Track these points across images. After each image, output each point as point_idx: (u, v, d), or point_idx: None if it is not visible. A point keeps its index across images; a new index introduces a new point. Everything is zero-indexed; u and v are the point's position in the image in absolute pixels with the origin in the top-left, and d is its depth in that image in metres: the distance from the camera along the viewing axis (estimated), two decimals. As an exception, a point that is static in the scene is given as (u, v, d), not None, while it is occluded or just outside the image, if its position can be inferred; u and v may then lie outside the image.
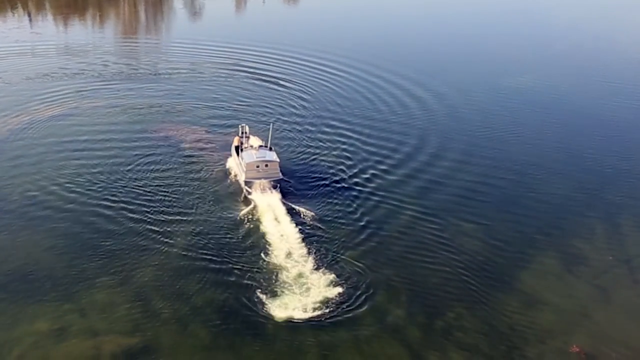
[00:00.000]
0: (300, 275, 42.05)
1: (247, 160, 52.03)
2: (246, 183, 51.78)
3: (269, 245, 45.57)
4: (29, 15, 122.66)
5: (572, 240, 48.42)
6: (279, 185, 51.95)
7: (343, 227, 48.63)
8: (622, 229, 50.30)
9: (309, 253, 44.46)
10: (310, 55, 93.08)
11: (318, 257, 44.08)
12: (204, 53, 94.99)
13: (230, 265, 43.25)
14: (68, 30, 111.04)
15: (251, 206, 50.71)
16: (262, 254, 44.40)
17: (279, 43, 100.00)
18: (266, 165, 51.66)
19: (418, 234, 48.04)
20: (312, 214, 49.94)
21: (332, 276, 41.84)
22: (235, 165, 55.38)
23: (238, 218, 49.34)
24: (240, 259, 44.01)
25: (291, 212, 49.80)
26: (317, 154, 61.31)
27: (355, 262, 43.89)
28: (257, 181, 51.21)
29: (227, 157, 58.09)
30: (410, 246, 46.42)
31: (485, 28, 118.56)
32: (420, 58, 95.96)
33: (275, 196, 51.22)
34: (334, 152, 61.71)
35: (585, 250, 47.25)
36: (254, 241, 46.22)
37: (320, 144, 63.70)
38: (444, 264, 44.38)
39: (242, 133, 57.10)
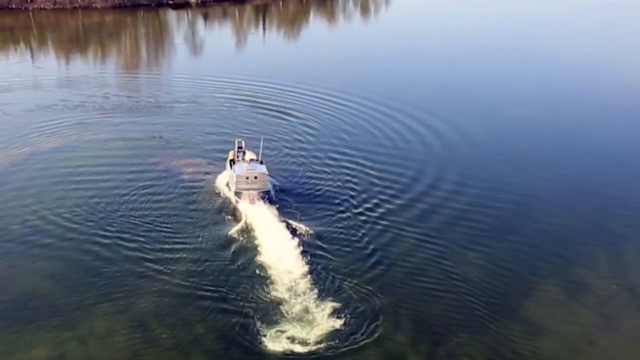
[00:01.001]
0: (301, 303, 41.57)
1: (238, 172, 56.02)
2: (236, 194, 55.54)
3: (269, 270, 45.39)
4: (31, 50, 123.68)
5: (574, 268, 48.12)
6: (267, 196, 55.26)
7: (345, 250, 48.59)
8: (624, 258, 50.02)
9: (309, 278, 44.25)
10: (311, 88, 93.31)
11: (319, 282, 43.82)
12: (206, 86, 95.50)
13: (230, 292, 42.95)
14: (70, 65, 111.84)
15: (242, 221, 51.94)
16: (262, 280, 44.16)
17: (279, 76, 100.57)
18: (255, 178, 55.45)
19: (422, 261, 47.84)
20: (314, 235, 50.18)
21: (334, 304, 41.47)
22: (228, 178, 58.78)
23: (231, 237, 49.93)
24: (240, 285, 43.75)
25: (291, 232, 50.11)
26: (321, 178, 61.56)
27: (358, 288, 43.65)
28: (246, 192, 54.73)
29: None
30: (414, 272, 46.19)
31: (486, 62, 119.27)
32: (420, 90, 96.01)
33: (265, 208, 53.42)
34: (339, 177, 61.94)
35: (588, 278, 46.95)
36: (253, 266, 46.08)
37: (325, 169, 63.94)
38: (449, 290, 44.11)
39: (238, 148, 60.67)
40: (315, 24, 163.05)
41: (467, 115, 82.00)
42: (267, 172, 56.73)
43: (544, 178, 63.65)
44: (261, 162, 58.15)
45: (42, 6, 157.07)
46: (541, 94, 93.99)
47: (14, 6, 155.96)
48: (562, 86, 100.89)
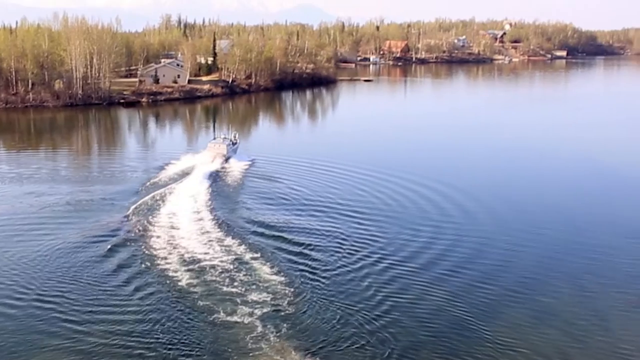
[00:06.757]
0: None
1: (211, 142, 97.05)
2: (207, 151, 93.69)
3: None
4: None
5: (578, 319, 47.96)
6: (224, 159, 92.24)
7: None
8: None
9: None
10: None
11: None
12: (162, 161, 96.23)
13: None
14: (20, 153, 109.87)
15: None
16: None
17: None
18: (219, 146, 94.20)
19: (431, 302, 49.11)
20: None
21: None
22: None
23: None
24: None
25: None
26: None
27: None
28: (212, 152, 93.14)
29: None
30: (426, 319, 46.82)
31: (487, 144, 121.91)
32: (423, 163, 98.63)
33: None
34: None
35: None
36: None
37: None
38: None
39: (233, 136, 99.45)
40: (264, 124, 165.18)
41: (470, 191, 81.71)
42: (226, 146, 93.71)
43: (544, 249, 62.48)
44: (233, 144, 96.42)
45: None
46: (539, 177, 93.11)
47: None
48: (559, 170, 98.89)
